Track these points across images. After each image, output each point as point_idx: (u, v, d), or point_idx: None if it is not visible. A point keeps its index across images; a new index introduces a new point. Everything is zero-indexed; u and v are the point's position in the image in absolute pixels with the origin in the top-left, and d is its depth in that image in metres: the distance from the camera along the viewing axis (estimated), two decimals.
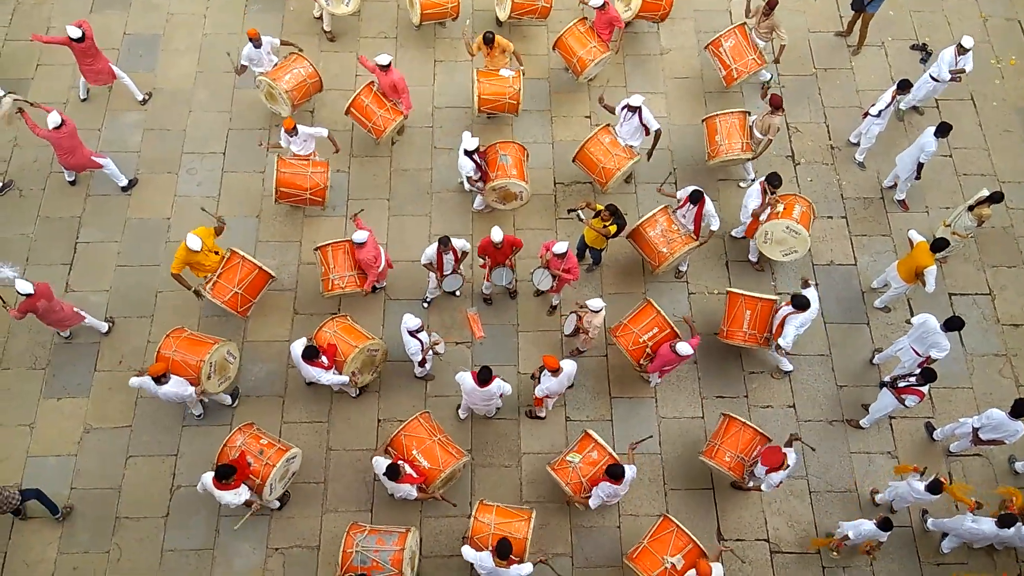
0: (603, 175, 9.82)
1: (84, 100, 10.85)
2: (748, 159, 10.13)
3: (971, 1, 12.21)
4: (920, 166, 9.84)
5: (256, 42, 9.88)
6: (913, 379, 8.30)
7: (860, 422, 9.21)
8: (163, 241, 10.07)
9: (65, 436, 8.96)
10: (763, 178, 9.16)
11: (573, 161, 10.06)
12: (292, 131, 9.42)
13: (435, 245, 8.70)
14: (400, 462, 7.82)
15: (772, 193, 9.18)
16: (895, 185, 10.52)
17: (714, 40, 10.70)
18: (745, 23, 10.64)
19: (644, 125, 9.67)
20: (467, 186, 9.74)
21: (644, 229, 9.36)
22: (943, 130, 9.47)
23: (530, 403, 9.22)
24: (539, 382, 8.41)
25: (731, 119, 10.06)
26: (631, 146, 9.89)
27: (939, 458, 9.16)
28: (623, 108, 9.69)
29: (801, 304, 8.51)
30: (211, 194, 10.37)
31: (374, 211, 10.33)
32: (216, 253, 8.91)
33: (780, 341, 8.66)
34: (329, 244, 9.19)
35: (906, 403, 8.38)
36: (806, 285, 8.89)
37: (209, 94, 11.08)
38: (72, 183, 10.28)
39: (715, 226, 9.27)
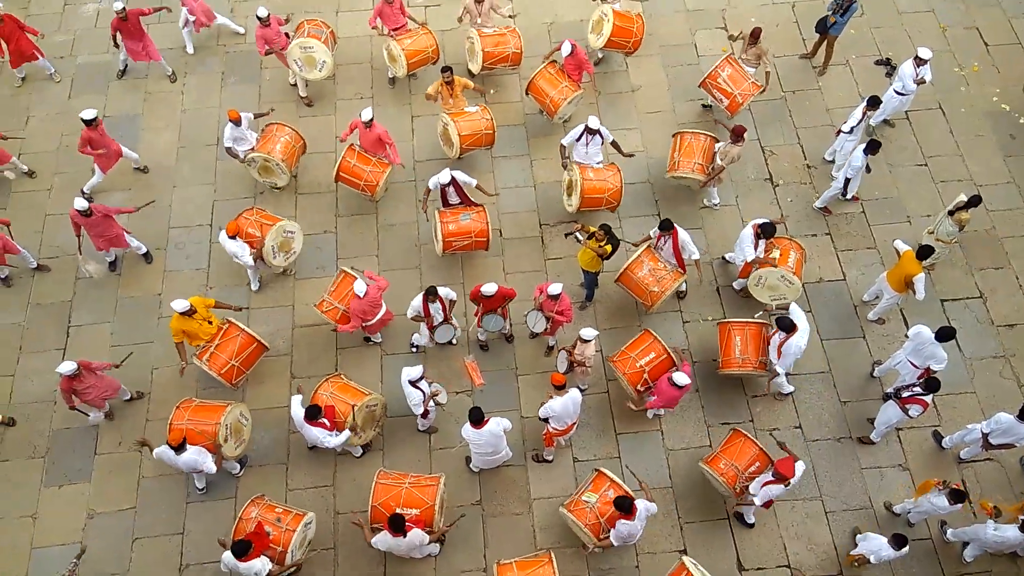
0: (613, 196, 10.13)
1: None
2: (700, 181, 10.24)
3: (929, 13, 12.54)
4: (847, 181, 10.00)
5: (237, 122, 10.04)
6: (917, 389, 8.29)
7: (871, 436, 9.16)
8: (156, 317, 10.05)
9: (69, 524, 8.82)
10: (755, 223, 9.21)
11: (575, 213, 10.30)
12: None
13: (420, 296, 8.73)
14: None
15: (765, 238, 9.18)
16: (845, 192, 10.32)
17: (710, 73, 10.77)
18: (731, 53, 10.88)
19: (602, 137, 10.06)
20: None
21: (632, 272, 9.35)
22: (872, 147, 9.64)
23: (536, 447, 9.15)
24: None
25: (699, 140, 10.28)
26: (601, 162, 10.25)
27: (950, 466, 9.10)
28: (583, 132, 9.95)
29: (787, 326, 8.49)
30: (200, 266, 10.40)
31: (364, 268, 10.34)
32: (210, 323, 8.90)
33: (777, 367, 8.66)
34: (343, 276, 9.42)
35: (910, 413, 8.36)
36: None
37: (192, 168, 11.18)
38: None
39: (696, 255, 9.29)
